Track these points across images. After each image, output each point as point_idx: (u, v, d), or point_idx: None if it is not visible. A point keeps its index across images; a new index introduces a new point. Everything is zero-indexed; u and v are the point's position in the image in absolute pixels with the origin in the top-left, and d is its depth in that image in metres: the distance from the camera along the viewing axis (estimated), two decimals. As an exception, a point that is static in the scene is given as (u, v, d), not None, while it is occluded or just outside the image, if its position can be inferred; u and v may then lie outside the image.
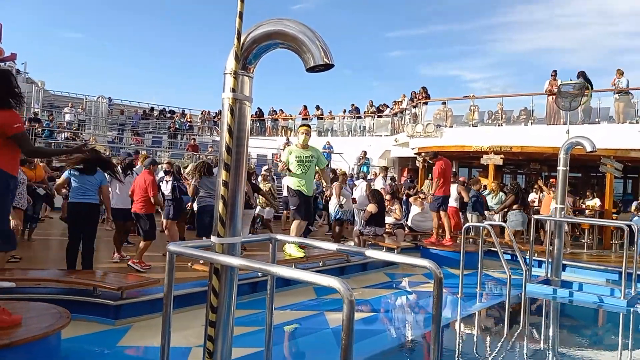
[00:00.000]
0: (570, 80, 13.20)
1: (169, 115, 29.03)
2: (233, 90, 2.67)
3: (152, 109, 30.55)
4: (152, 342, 4.45)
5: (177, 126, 26.08)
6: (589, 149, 7.40)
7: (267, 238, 3.37)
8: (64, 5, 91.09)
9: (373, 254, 2.94)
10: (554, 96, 13.61)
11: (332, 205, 10.33)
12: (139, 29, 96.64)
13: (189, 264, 6.78)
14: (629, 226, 7.45)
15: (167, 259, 2.70)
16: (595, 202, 13.12)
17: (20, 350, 3.38)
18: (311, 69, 2.64)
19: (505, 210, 10.95)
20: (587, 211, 13.14)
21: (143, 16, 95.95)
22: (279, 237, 3.40)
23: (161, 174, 9.81)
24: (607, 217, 12.58)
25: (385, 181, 13.68)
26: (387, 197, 10.81)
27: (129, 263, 6.71)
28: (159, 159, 18.95)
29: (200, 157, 18.02)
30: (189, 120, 27.87)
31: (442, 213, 9.78)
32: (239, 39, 2.67)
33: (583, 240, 12.08)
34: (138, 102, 33.01)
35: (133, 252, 7.26)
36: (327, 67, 2.65)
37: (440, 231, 9.94)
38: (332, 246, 3.20)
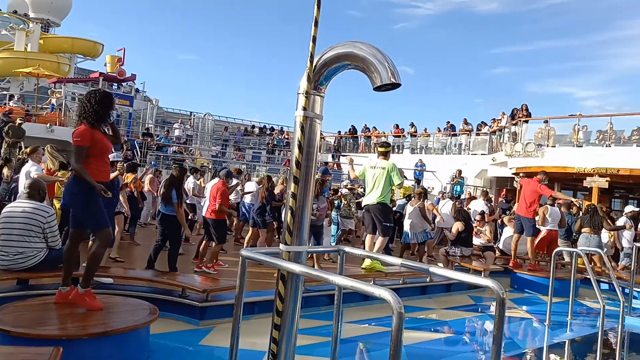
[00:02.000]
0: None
1: (268, 132, 30.34)
2: (304, 108, 2.85)
3: (253, 126, 32.15)
4: (232, 343, 4.73)
5: (275, 142, 27.17)
6: (703, 173, 6.74)
7: (336, 250, 3.50)
8: (178, 30, 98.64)
9: (436, 270, 2.96)
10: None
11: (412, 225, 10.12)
12: (246, 51, 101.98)
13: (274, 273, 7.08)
14: None
15: (240, 263, 2.92)
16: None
17: (113, 339, 3.79)
18: (378, 88, 2.78)
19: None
20: None
21: (248, 39, 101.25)
22: (347, 249, 3.51)
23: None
24: None
25: (487, 204, 13.17)
26: (477, 217, 10.52)
27: (202, 267, 7.33)
28: (257, 172, 19.88)
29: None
30: (286, 137, 28.92)
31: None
32: (311, 61, 2.86)
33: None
34: (242, 119, 34.92)
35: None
36: (395, 86, 2.78)
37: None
38: (397, 260, 3.25)
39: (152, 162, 18.12)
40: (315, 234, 7.68)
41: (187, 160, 20.39)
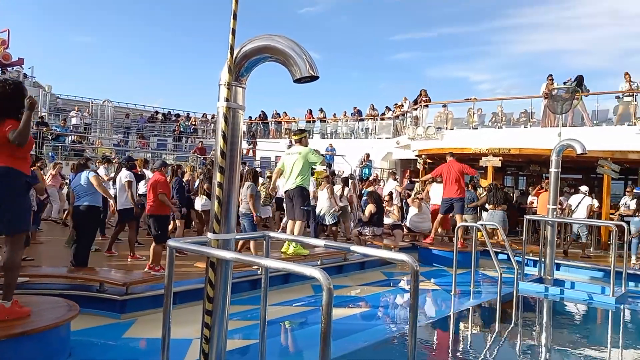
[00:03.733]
0: (564, 84, 13.44)
1: (173, 118, 29.42)
2: (227, 99, 2.93)
3: (156, 112, 30.96)
4: (156, 334, 4.69)
5: (181, 129, 26.45)
6: (579, 151, 7.62)
7: (261, 235, 3.63)
8: (69, 9, 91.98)
9: (356, 248, 3.19)
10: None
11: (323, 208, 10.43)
12: (143, 34, 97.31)
13: (194, 264, 7.05)
14: (617, 226, 7.66)
15: (167, 254, 2.96)
16: (594, 203, 13.28)
17: (33, 339, 3.67)
18: (298, 80, 2.92)
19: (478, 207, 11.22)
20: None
21: (145, 20, 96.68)
22: (272, 234, 3.65)
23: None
24: (605, 217, 12.76)
25: (397, 183, 13.76)
26: (386, 197, 11.08)
27: (150, 271, 6.50)
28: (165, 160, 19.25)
29: (207, 159, 18.32)
30: (193, 123, 28.23)
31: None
32: (232, 53, 2.94)
33: (582, 241, 12.27)
34: (143, 105, 33.45)
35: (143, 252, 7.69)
36: (313, 78, 2.93)
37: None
38: (320, 242, 3.46)
39: (50, 154, 17.00)
40: (249, 223, 7.73)
41: (87, 150, 19.33)
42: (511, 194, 15.23)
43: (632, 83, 13.89)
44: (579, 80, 14.15)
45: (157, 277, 5.64)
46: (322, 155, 8.30)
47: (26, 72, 28.64)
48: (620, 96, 14.19)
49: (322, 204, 10.26)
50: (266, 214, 11.07)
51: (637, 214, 10.01)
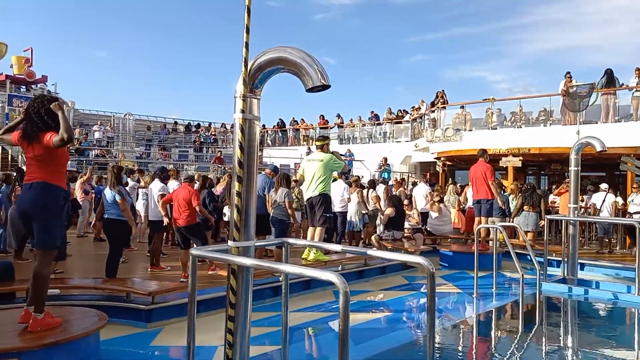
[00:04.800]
0: (580, 82, 13.31)
1: (194, 129, 29.82)
2: (242, 111, 3.04)
3: (175, 123, 31.41)
4: (182, 342, 4.80)
5: (202, 140, 26.79)
6: (598, 148, 7.55)
7: (280, 242, 3.71)
8: (89, 25, 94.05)
9: (372, 252, 3.26)
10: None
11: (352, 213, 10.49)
12: (160, 45, 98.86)
13: (218, 272, 7.11)
14: (640, 223, 7.56)
15: (190, 262, 3.06)
16: (618, 200, 13.07)
17: (64, 348, 3.81)
18: (310, 90, 3.01)
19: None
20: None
21: (162, 32, 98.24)
22: (291, 240, 3.73)
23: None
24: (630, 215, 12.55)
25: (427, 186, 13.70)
26: (405, 202, 11.07)
27: (181, 279, 6.65)
28: (186, 172, 19.56)
29: (226, 168, 18.54)
30: (213, 133, 28.55)
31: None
32: (246, 66, 3.05)
33: (607, 240, 12.07)
34: (164, 117, 33.93)
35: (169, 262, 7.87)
36: (324, 87, 3.02)
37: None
38: (337, 247, 3.53)
39: (74, 168, 17.37)
40: (281, 230, 7.77)
41: (109, 164, 19.72)
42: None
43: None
44: (609, 74, 13.97)
45: (181, 286, 5.76)
46: (344, 160, 8.33)
47: (50, 89, 29.35)
48: (634, 92, 13.95)
49: (352, 208, 10.33)
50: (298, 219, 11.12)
51: None
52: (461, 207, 12.47)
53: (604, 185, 11.60)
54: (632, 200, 10.77)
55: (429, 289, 2.82)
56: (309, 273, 2.58)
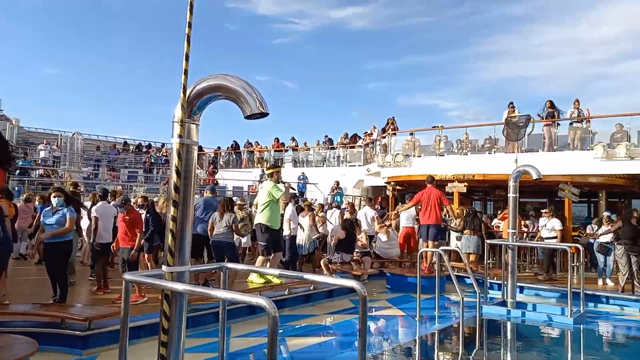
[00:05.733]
0: (518, 113, 14.02)
1: (144, 149, 29.28)
2: (180, 136, 3.06)
3: (125, 143, 30.77)
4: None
5: (152, 160, 26.34)
6: (534, 176, 7.93)
7: (218, 267, 3.71)
8: (35, 42, 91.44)
9: (308, 276, 3.31)
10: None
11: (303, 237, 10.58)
12: (115, 63, 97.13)
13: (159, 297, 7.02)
14: (572, 247, 7.96)
15: (123, 287, 3.02)
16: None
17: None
18: (248, 117, 3.08)
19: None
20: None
21: (117, 51, 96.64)
22: (230, 265, 3.74)
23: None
24: (567, 240, 13.11)
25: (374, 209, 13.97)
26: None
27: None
28: (134, 193, 19.12)
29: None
30: (164, 154, 28.12)
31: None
32: (184, 92, 3.08)
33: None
34: (114, 137, 33.16)
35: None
36: (263, 115, 3.10)
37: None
38: (275, 271, 3.56)
39: (16, 188, 16.71)
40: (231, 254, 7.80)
41: (54, 184, 19.06)
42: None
43: (579, 110, 14.47)
44: (551, 105, 14.72)
45: (119, 312, 5.61)
46: (284, 187, 8.48)
47: (-7, 106, 28.28)
48: (571, 123, 14.75)
49: (304, 232, 10.41)
50: (247, 244, 11.08)
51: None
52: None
53: (544, 211, 12.13)
54: (545, 225, 11.26)
55: (361, 312, 2.89)
56: (241, 298, 2.60)
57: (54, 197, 6.52)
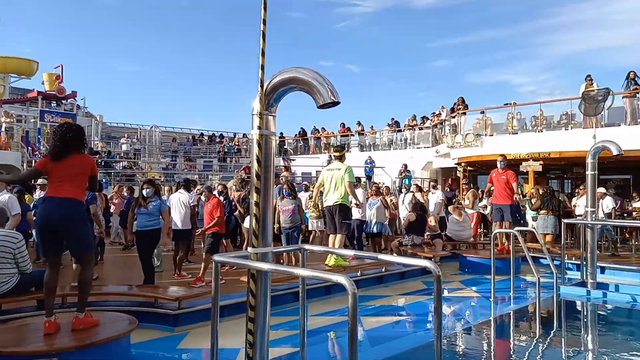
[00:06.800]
0: (596, 86, 13.29)
1: (218, 140, 30.39)
2: (259, 127, 3.29)
3: (201, 134, 32.10)
4: (207, 345, 5.07)
5: (225, 150, 27.31)
6: (614, 152, 7.59)
7: (297, 248, 3.96)
8: (115, 40, 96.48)
9: (382, 257, 3.47)
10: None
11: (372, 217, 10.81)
12: (184, 55, 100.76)
13: (240, 279, 7.43)
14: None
15: (213, 268, 3.32)
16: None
17: (98, 350, 4.13)
18: (321, 106, 3.26)
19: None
20: (634, 213, 13.02)
21: (186, 43, 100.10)
22: (307, 247, 3.97)
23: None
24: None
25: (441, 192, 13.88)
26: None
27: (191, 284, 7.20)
28: (210, 182, 20.00)
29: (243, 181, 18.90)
30: (237, 143, 29.06)
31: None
32: (262, 86, 3.31)
33: (631, 243, 12.04)
34: (189, 128, 34.74)
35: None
36: (335, 103, 3.27)
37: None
38: (350, 252, 3.76)
39: (103, 180, 17.98)
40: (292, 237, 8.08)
41: (137, 175, 20.31)
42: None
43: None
44: (634, 75, 13.95)
45: (206, 292, 6.05)
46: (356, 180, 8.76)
47: (79, 104, 30.33)
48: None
49: (373, 212, 10.63)
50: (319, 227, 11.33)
51: None
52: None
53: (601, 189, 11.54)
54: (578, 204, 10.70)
55: (436, 291, 3.00)
56: (320, 275, 2.81)
57: (145, 189, 7.11)
